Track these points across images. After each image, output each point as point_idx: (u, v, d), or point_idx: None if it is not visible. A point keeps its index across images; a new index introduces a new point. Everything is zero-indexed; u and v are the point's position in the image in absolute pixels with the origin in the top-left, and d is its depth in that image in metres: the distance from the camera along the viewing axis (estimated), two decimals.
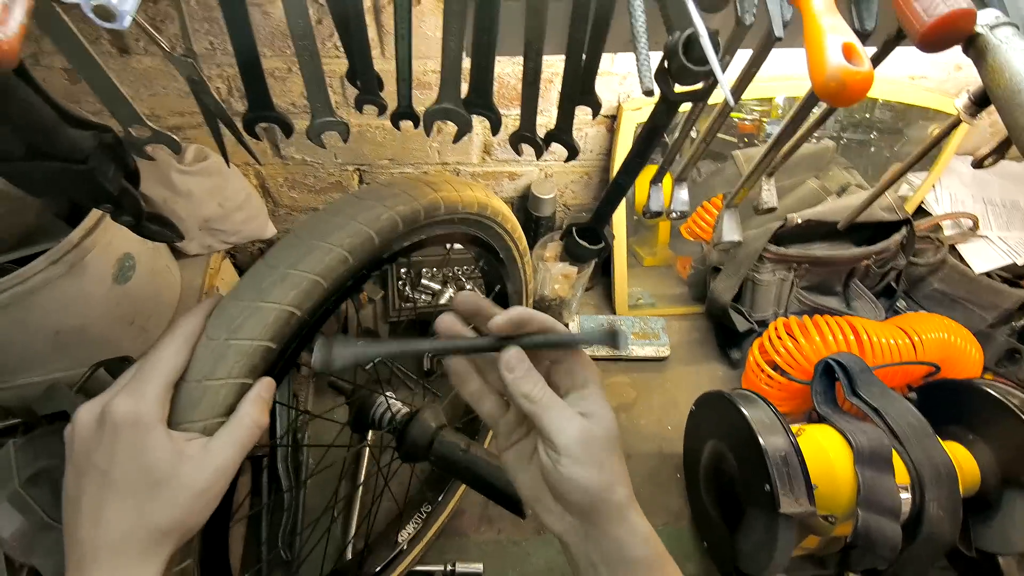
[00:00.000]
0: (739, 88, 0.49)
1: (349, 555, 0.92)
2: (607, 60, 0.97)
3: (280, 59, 0.91)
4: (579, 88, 0.48)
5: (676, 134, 0.60)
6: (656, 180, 0.65)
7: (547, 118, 1.04)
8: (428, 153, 1.12)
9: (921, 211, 1.27)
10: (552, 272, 1.16)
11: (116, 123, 0.48)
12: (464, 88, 0.49)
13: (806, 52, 0.32)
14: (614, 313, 1.30)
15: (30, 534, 0.57)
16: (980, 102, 0.54)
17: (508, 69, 0.95)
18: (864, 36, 0.41)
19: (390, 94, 0.50)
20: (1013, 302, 1.12)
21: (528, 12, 0.43)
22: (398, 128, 0.53)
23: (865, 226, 1.11)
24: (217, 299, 0.43)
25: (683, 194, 0.65)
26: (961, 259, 1.18)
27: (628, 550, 0.39)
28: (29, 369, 0.75)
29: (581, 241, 0.57)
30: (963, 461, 0.85)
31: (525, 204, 1.23)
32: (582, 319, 1.26)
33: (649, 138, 0.45)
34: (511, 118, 1.01)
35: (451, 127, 0.51)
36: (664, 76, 0.38)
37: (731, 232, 0.66)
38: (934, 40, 0.32)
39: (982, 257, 1.17)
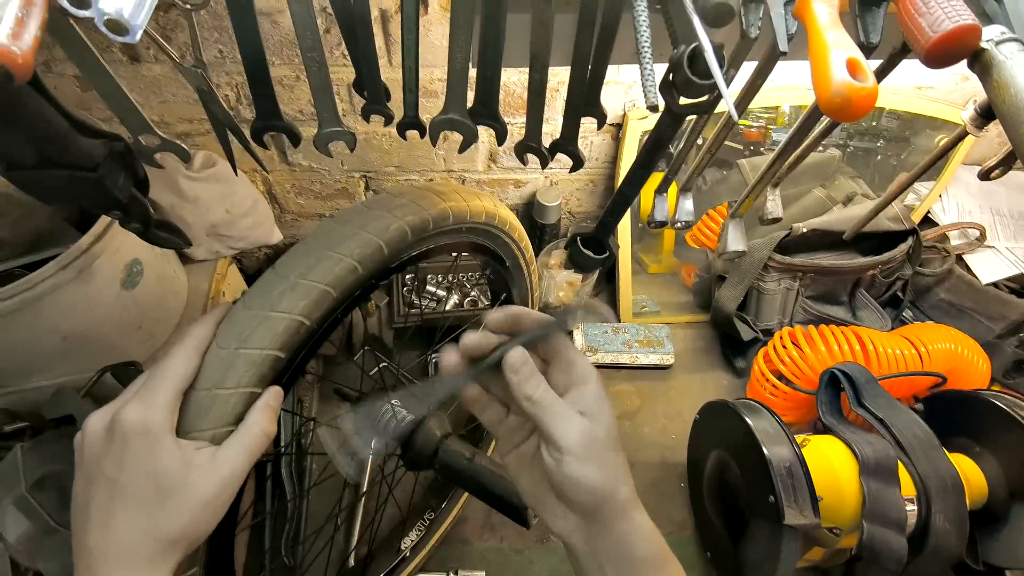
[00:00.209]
0: (744, 101, 0.49)
1: (352, 562, 0.92)
2: (612, 70, 0.98)
3: (288, 67, 0.91)
4: (584, 99, 0.49)
5: (681, 144, 0.61)
6: (661, 190, 0.65)
7: (552, 127, 1.04)
8: (434, 160, 1.12)
9: (928, 221, 1.26)
10: (557, 279, 1.16)
11: (126, 131, 0.48)
12: (470, 97, 0.50)
13: (811, 67, 0.32)
14: (619, 320, 1.30)
15: (36, 538, 0.57)
16: (987, 115, 0.54)
17: (514, 78, 0.95)
18: (869, 49, 0.41)
19: (396, 103, 0.50)
20: (1021, 313, 1.11)
21: (534, 25, 0.43)
22: (404, 138, 0.53)
23: (871, 236, 1.11)
24: (227, 307, 0.44)
25: (688, 204, 0.65)
26: (968, 269, 1.18)
27: (633, 548, 0.39)
28: (37, 373, 0.76)
29: (585, 250, 0.57)
30: (970, 473, 0.85)
31: (530, 211, 1.23)
32: (587, 326, 1.26)
33: (654, 150, 0.45)
34: (516, 126, 1.03)
35: (457, 136, 0.52)
36: (669, 89, 0.38)
37: (736, 242, 0.66)
38: (939, 56, 0.32)
39: (989, 267, 1.16)
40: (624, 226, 1.19)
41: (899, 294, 1.21)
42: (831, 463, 0.82)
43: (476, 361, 0.42)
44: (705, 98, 0.38)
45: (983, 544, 0.85)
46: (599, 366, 1.21)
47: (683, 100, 0.39)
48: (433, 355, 1.15)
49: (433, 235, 0.56)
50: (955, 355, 1.01)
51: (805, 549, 0.82)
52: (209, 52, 0.88)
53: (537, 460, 0.41)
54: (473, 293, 1.20)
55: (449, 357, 0.42)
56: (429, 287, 1.20)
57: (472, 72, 0.47)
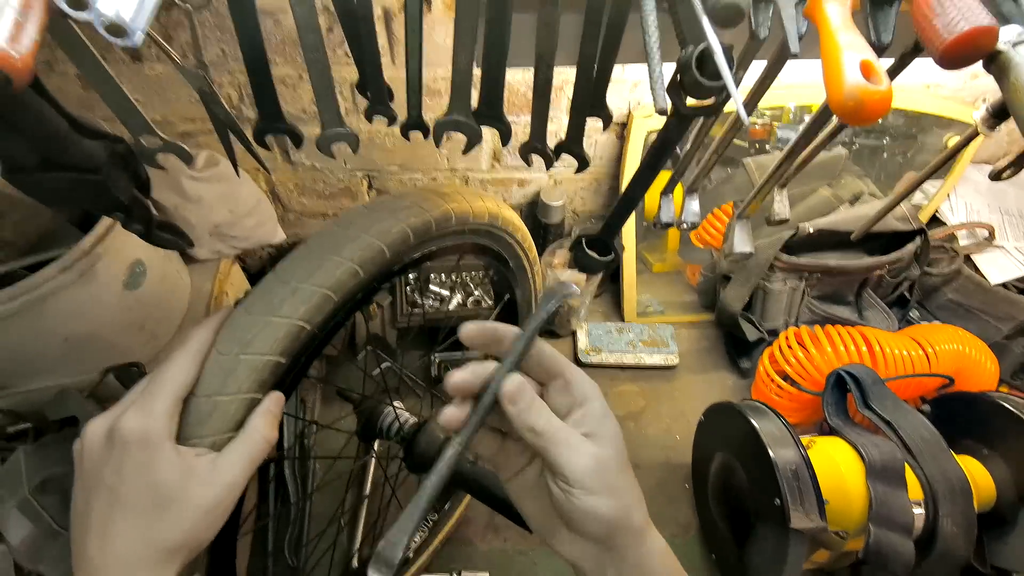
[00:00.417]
0: (752, 102, 0.48)
1: (355, 563, 0.91)
2: (617, 68, 0.97)
3: (291, 66, 0.91)
4: (590, 100, 0.48)
5: (688, 145, 0.60)
6: (667, 191, 0.65)
7: (556, 125, 1.03)
8: (437, 160, 1.12)
9: (936, 220, 1.25)
10: (561, 279, 1.16)
11: (127, 133, 0.48)
12: (474, 97, 0.49)
13: (823, 69, 0.31)
14: (623, 320, 1.30)
15: (39, 541, 0.57)
16: (999, 114, 0.53)
17: (518, 76, 0.94)
18: (881, 49, 0.40)
19: (400, 102, 0.50)
20: None
21: (540, 25, 0.43)
22: (408, 139, 0.53)
23: (878, 235, 1.10)
24: (227, 312, 0.43)
25: (694, 205, 0.65)
26: (976, 269, 1.17)
27: (649, 572, 0.38)
28: (40, 374, 0.76)
29: (590, 252, 0.57)
30: (978, 476, 0.84)
31: (534, 211, 1.22)
32: (590, 326, 1.25)
33: (660, 151, 0.44)
34: (520, 125, 1.02)
35: (461, 135, 0.51)
36: (676, 90, 0.37)
37: (742, 243, 0.66)
38: (955, 57, 0.31)
39: (998, 267, 1.15)
40: (628, 225, 1.18)
41: (906, 294, 1.20)
42: (837, 466, 0.81)
43: (475, 399, 0.38)
44: (713, 99, 0.37)
45: (991, 547, 0.85)
46: (603, 366, 1.21)
47: (691, 101, 0.38)
48: (436, 356, 1.15)
49: (435, 237, 0.56)
50: (963, 356, 1.00)
51: (811, 552, 0.82)
52: (211, 51, 0.87)
53: (542, 486, 0.39)
54: (477, 292, 1.20)
55: (450, 413, 0.38)
56: (432, 286, 1.20)
57: (476, 72, 0.46)
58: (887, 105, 0.29)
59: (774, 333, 1.14)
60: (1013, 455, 0.84)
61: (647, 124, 1.04)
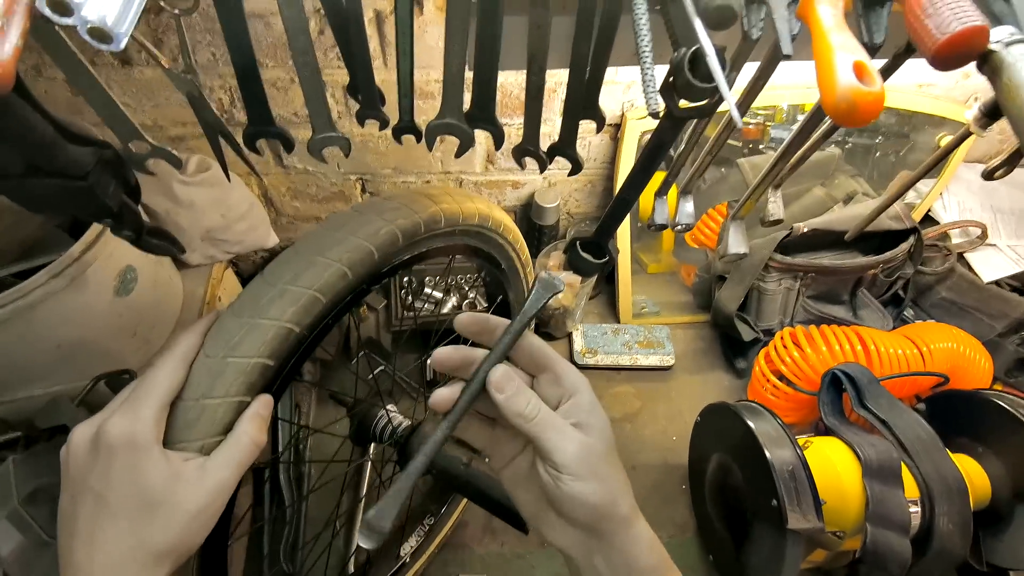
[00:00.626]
0: (745, 103, 0.48)
1: (352, 568, 0.91)
2: (610, 70, 0.97)
3: (282, 69, 0.90)
4: (583, 102, 0.48)
5: (682, 146, 0.60)
6: (661, 192, 0.65)
7: (550, 127, 1.03)
8: (431, 163, 1.11)
9: (928, 219, 1.25)
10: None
11: (116, 138, 0.47)
12: (466, 100, 0.49)
13: (816, 71, 0.31)
14: (618, 322, 1.29)
15: (29, 552, 0.57)
16: (991, 114, 0.53)
17: (511, 79, 0.94)
18: (873, 50, 0.40)
19: (392, 106, 0.50)
20: (1022, 311, 1.10)
21: (531, 27, 0.43)
22: (400, 142, 0.52)
23: (872, 235, 1.10)
24: (215, 316, 0.43)
25: (688, 206, 0.65)
26: (969, 268, 1.17)
27: (635, 559, 0.39)
28: (30, 382, 0.75)
29: (585, 255, 0.56)
30: (973, 474, 0.84)
31: (528, 213, 1.22)
32: (585, 327, 1.25)
33: (654, 153, 0.44)
34: (513, 127, 1.02)
35: (454, 139, 0.51)
36: (669, 92, 0.37)
37: (737, 244, 0.65)
38: (947, 58, 0.31)
39: (991, 266, 1.16)
40: (623, 226, 1.18)
41: (900, 293, 1.20)
42: (834, 465, 0.81)
43: (465, 383, 0.39)
44: (706, 101, 0.37)
45: (987, 545, 0.85)
46: (599, 368, 1.21)
47: (683, 103, 0.38)
48: (429, 357, 1.14)
49: (424, 238, 0.56)
50: (957, 354, 1.01)
51: (808, 552, 0.82)
52: (202, 55, 0.87)
53: (534, 475, 0.40)
54: (471, 295, 1.19)
55: (439, 394, 0.39)
56: (427, 289, 1.19)
57: (468, 75, 0.46)
58: (880, 106, 0.29)
59: (769, 333, 1.14)
60: (1008, 452, 0.84)
61: (641, 125, 1.04)
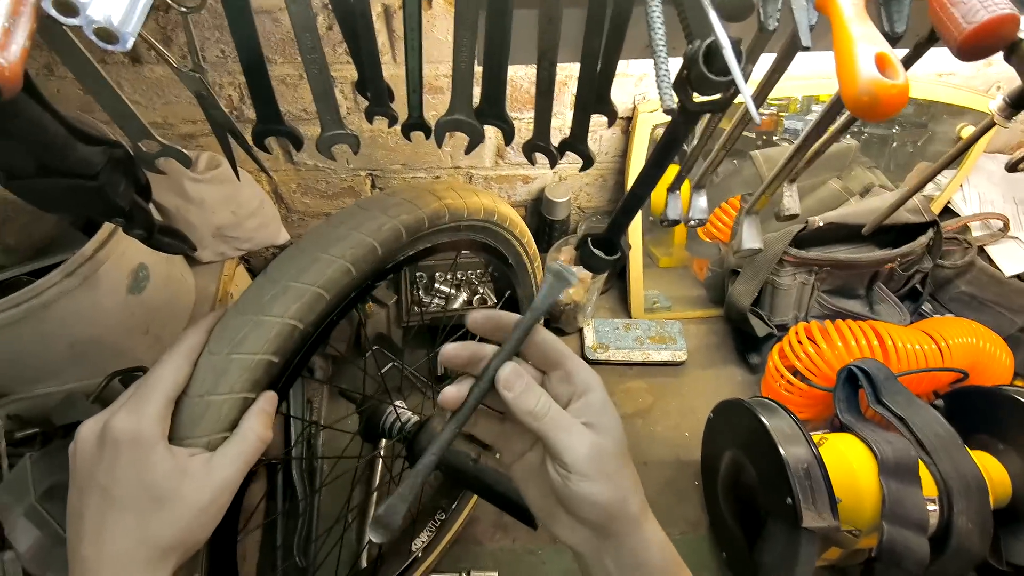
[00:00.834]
0: (760, 96, 0.47)
1: (364, 563, 0.91)
2: (622, 62, 0.95)
3: (291, 65, 0.90)
4: (594, 97, 0.47)
5: (695, 140, 0.59)
6: (674, 187, 0.64)
7: (560, 121, 1.02)
8: (441, 158, 1.11)
9: (948, 211, 1.23)
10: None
11: (126, 137, 0.47)
12: (476, 94, 0.48)
13: (836, 63, 0.30)
14: (630, 316, 1.29)
15: (46, 548, 0.57)
16: (1016, 104, 0.51)
17: (520, 72, 0.93)
18: (894, 39, 0.39)
19: (400, 101, 0.49)
20: None
21: (542, 21, 0.42)
22: (409, 139, 0.52)
23: (889, 228, 1.08)
24: (219, 314, 0.43)
25: (702, 201, 0.64)
26: (990, 261, 1.15)
27: (643, 560, 0.39)
28: (45, 380, 0.76)
29: (597, 251, 0.56)
30: (993, 472, 0.83)
31: (539, 207, 1.21)
32: (596, 322, 1.24)
33: (667, 149, 0.43)
34: (523, 122, 1.01)
35: (463, 134, 0.50)
36: (683, 86, 0.36)
37: (752, 240, 0.64)
38: (974, 48, 0.30)
39: (1013, 259, 1.13)
40: (635, 220, 1.17)
41: (918, 287, 1.18)
42: (849, 463, 0.80)
43: (475, 379, 0.39)
44: (721, 95, 0.36)
45: (1007, 544, 0.83)
46: (610, 363, 1.20)
47: (697, 97, 0.37)
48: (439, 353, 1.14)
49: (429, 234, 0.55)
50: (977, 350, 0.99)
51: (822, 550, 0.81)
52: (211, 52, 0.87)
53: (543, 471, 0.39)
54: (482, 290, 1.19)
55: (448, 392, 0.39)
56: (437, 285, 1.19)
57: (477, 70, 0.45)
58: (904, 100, 0.28)
59: (783, 328, 1.13)
60: None
61: (652, 119, 1.02)
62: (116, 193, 0.45)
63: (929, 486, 0.78)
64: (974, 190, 1.20)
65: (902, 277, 1.15)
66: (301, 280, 0.43)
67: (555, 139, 0.52)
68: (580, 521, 0.39)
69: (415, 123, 0.50)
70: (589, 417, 0.38)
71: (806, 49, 0.34)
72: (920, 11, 0.38)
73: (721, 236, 1.18)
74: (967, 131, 1.10)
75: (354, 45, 0.46)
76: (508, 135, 0.50)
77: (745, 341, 1.22)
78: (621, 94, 1.02)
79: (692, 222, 0.64)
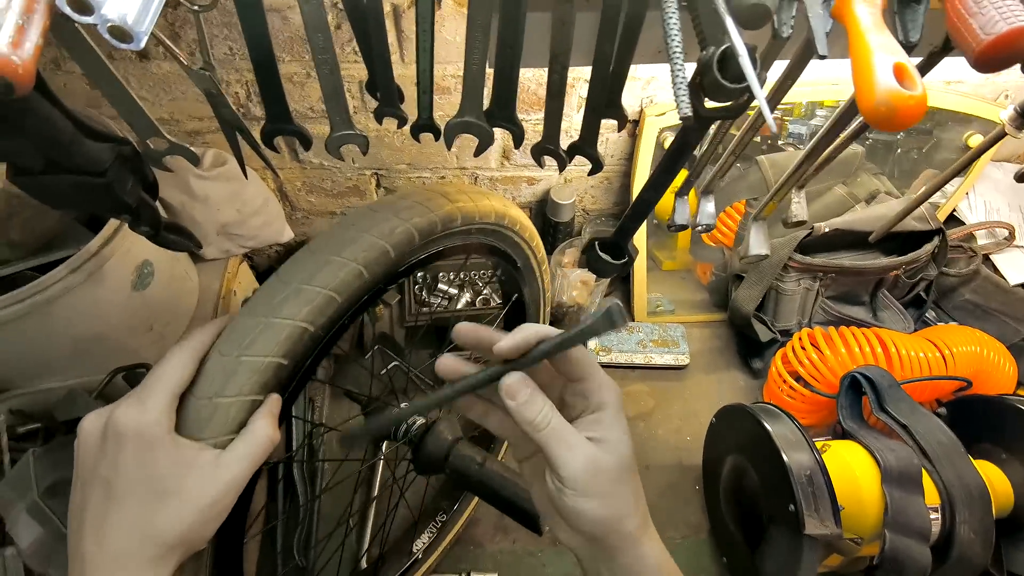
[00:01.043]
0: (772, 103, 0.47)
1: (364, 564, 0.91)
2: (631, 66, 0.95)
3: (299, 64, 0.90)
4: (605, 101, 0.47)
5: (704, 146, 0.59)
6: (682, 192, 0.63)
7: (567, 123, 1.02)
8: (446, 158, 1.11)
9: (953, 219, 1.23)
10: (570, 279, 1.15)
11: (134, 134, 0.47)
12: (485, 96, 0.48)
13: (852, 73, 0.30)
14: (633, 319, 1.28)
15: (48, 544, 0.57)
16: None
17: (528, 74, 0.93)
18: (908, 48, 0.39)
19: (410, 101, 0.49)
20: None
21: (555, 24, 0.42)
22: (418, 140, 0.52)
23: (895, 235, 1.08)
24: (231, 316, 0.43)
25: (709, 206, 0.63)
26: (995, 270, 1.14)
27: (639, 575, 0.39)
28: (48, 375, 0.76)
29: (604, 255, 0.55)
30: (996, 481, 0.82)
31: (543, 209, 1.21)
32: None
33: (678, 155, 0.43)
34: (530, 123, 1.01)
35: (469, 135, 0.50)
36: (696, 92, 0.36)
37: (759, 246, 0.64)
38: (992, 59, 0.30)
39: (1018, 268, 1.13)
40: None
41: (922, 294, 1.18)
42: (852, 470, 0.80)
43: (477, 359, 0.39)
44: (733, 102, 0.36)
45: (1008, 554, 0.83)
46: (613, 366, 1.20)
47: (709, 104, 0.37)
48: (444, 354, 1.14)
49: (441, 237, 0.55)
50: (981, 358, 0.98)
51: (824, 557, 0.80)
52: (218, 49, 0.86)
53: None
54: (485, 291, 1.19)
55: (447, 361, 0.40)
56: (441, 285, 1.19)
57: (488, 71, 0.45)
58: (922, 111, 0.28)
59: (787, 334, 1.13)
60: None
61: (659, 122, 1.02)
62: (124, 190, 0.45)
63: (932, 495, 0.77)
64: (980, 198, 1.20)
65: (906, 284, 1.15)
66: (313, 283, 0.43)
67: (563, 142, 0.52)
68: (575, 530, 0.39)
69: (425, 124, 0.50)
70: (596, 431, 0.38)
71: (822, 57, 0.34)
72: (934, 20, 0.38)
73: (725, 240, 1.18)
74: (975, 139, 1.10)
75: (365, 46, 0.46)
76: (518, 138, 0.50)
77: (748, 346, 1.22)
78: (629, 97, 1.02)
79: (700, 227, 0.64)
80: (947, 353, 0.98)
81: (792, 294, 1.11)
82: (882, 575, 0.81)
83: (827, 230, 1.04)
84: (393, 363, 1.11)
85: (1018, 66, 0.35)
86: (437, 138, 0.50)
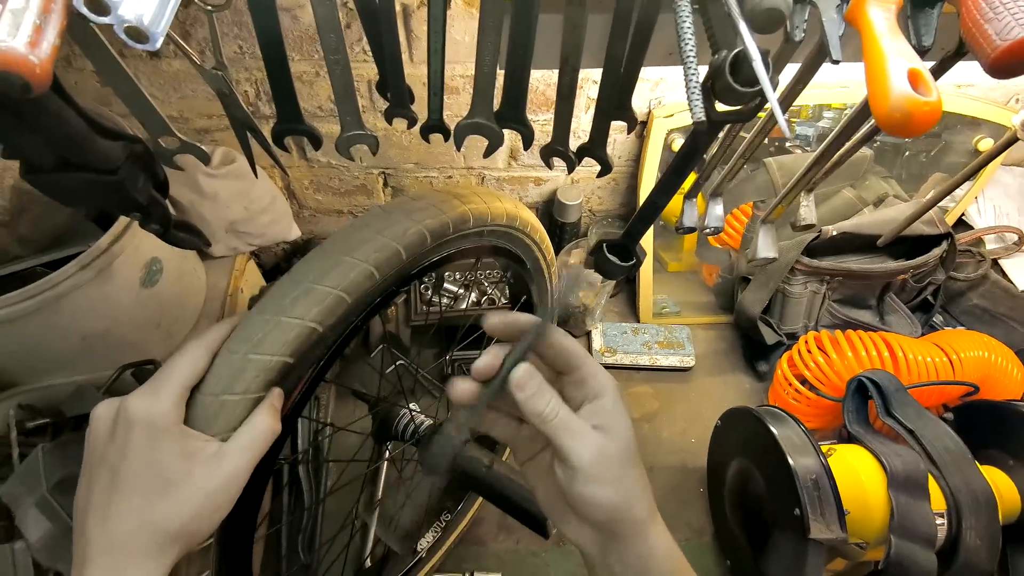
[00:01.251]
0: (782, 107, 0.47)
1: (368, 563, 0.91)
2: None
3: (308, 63, 0.90)
4: (615, 103, 0.47)
5: (714, 149, 0.58)
6: (691, 195, 0.63)
7: (576, 123, 1.02)
8: (454, 158, 1.11)
9: (962, 223, 1.22)
10: (576, 266, 1.14)
11: (145, 132, 0.48)
12: (495, 97, 0.48)
13: (866, 78, 0.30)
14: (638, 321, 1.28)
15: (57, 539, 0.58)
16: None
17: (538, 75, 0.93)
18: (921, 52, 0.38)
19: (419, 101, 0.49)
20: None
21: (566, 26, 0.42)
22: (428, 141, 0.52)
23: (903, 239, 1.07)
24: (245, 313, 0.43)
25: (718, 209, 0.63)
26: (1004, 275, 1.14)
27: (649, 565, 0.39)
28: (57, 371, 0.76)
29: (611, 257, 0.55)
30: (1003, 487, 0.82)
31: (550, 209, 1.21)
32: (605, 326, 1.24)
33: (688, 158, 0.43)
34: (539, 124, 1.00)
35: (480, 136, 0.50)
36: (707, 95, 0.36)
37: (767, 248, 0.64)
38: (1007, 65, 0.30)
39: None
40: None
41: (930, 299, 1.17)
42: (858, 475, 0.79)
43: (485, 383, 0.40)
44: (744, 106, 0.36)
45: (1015, 560, 0.83)
46: (618, 367, 1.20)
47: (721, 107, 0.37)
48: (453, 356, 1.14)
49: (453, 239, 0.55)
50: (988, 363, 0.98)
51: (828, 561, 0.80)
52: (229, 48, 0.87)
53: (553, 471, 0.40)
54: (491, 291, 1.19)
55: (460, 387, 0.40)
56: (447, 284, 1.19)
57: (498, 73, 0.45)
58: (937, 117, 0.28)
59: (793, 337, 1.12)
60: None
61: (667, 124, 1.02)
62: (135, 188, 0.45)
63: (938, 500, 0.77)
64: (989, 202, 1.19)
65: (914, 288, 1.14)
66: (324, 283, 0.43)
67: (572, 143, 0.52)
68: (585, 521, 0.39)
69: (434, 125, 0.50)
70: (600, 420, 0.38)
71: (836, 62, 0.34)
72: (947, 24, 0.37)
73: (732, 242, 1.18)
74: (985, 143, 1.09)
75: (376, 47, 0.46)
76: (527, 139, 0.50)
77: (754, 348, 1.22)
78: (637, 99, 1.02)
79: (708, 230, 0.64)
80: (954, 358, 0.98)
81: (799, 297, 1.11)
82: None
83: (835, 233, 1.03)
84: (399, 362, 1.11)
85: None
86: (447, 139, 0.50)
